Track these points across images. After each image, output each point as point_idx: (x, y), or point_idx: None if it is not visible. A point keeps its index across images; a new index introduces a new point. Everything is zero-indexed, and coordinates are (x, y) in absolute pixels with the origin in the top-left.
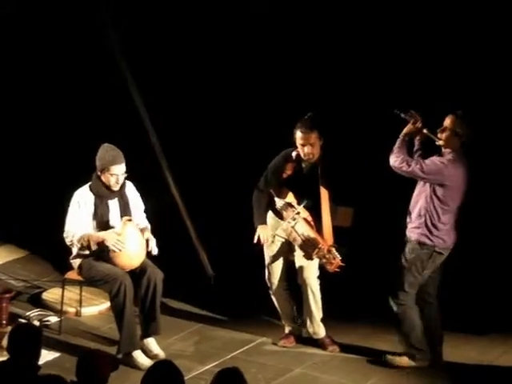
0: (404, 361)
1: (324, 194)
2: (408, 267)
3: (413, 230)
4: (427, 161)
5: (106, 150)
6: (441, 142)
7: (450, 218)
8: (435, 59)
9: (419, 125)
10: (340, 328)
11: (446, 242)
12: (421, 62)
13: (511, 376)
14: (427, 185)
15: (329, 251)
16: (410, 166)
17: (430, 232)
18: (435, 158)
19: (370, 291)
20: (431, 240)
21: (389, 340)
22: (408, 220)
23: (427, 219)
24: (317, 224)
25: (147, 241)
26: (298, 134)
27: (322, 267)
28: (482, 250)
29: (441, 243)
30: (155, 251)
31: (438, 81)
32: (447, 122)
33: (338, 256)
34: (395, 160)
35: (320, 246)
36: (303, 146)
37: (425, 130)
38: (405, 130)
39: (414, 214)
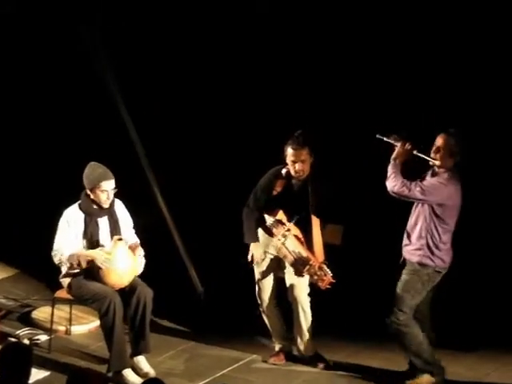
0: (426, 379)
1: (314, 210)
2: (407, 289)
3: (414, 252)
4: (426, 182)
5: (93, 168)
6: (437, 163)
7: (449, 237)
8: (423, 77)
9: (409, 147)
10: (330, 345)
11: (446, 262)
12: (409, 79)
13: None
14: (426, 205)
15: (320, 268)
16: (410, 189)
17: (432, 253)
18: (433, 179)
19: (360, 308)
20: (432, 261)
21: (379, 357)
22: (406, 242)
23: (428, 240)
24: (307, 241)
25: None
26: (289, 151)
27: (312, 285)
28: (467, 268)
29: (441, 263)
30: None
31: (426, 98)
32: (440, 141)
33: (330, 273)
34: (394, 185)
35: (311, 262)
36: (294, 162)
37: (415, 152)
38: (394, 154)
39: (413, 236)
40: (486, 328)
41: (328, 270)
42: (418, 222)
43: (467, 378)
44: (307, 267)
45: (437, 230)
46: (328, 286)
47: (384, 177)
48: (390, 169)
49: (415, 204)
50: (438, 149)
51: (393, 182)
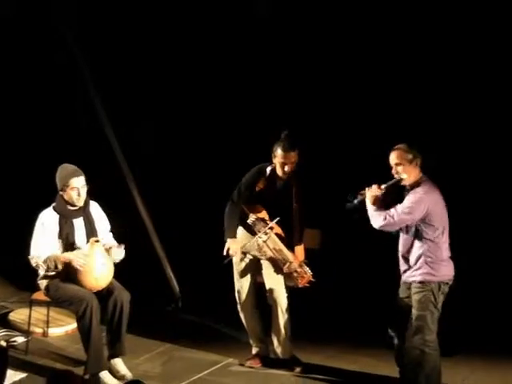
0: None
1: (297, 211)
2: (423, 307)
3: (415, 273)
4: (406, 202)
5: (62, 169)
6: (403, 176)
7: (446, 250)
8: (413, 80)
9: (374, 187)
10: (307, 348)
11: (449, 274)
12: (397, 83)
13: None
14: (413, 228)
15: (300, 266)
16: (393, 217)
17: (433, 268)
18: (411, 196)
19: (338, 312)
20: (435, 276)
21: (356, 361)
22: (405, 267)
23: (427, 258)
24: (288, 240)
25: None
26: (279, 152)
27: (289, 287)
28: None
29: (444, 276)
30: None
31: (416, 101)
32: (392, 158)
33: (309, 272)
34: (378, 222)
35: (291, 260)
36: (284, 164)
37: (383, 186)
38: (371, 201)
39: (412, 259)
40: (463, 332)
41: (308, 268)
42: (412, 245)
43: (444, 381)
44: (287, 264)
45: (432, 252)
46: (306, 284)
47: (368, 180)
48: (369, 212)
49: (403, 230)
50: (396, 165)
51: (377, 220)
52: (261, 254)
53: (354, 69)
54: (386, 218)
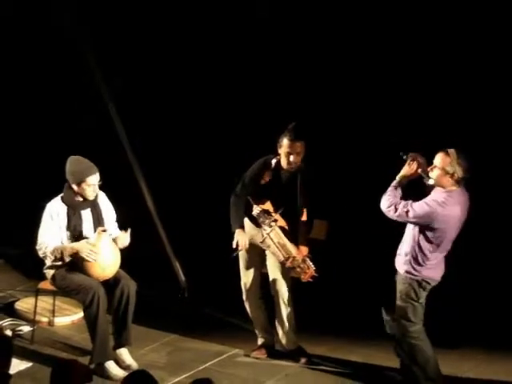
0: None
1: (303, 204)
2: (405, 299)
3: (402, 264)
4: (415, 205)
5: (76, 163)
6: (431, 181)
7: (438, 255)
8: (416, 77)
9: (414, 166)
10: (312, 340)
11: (432, 277)
12: (400, 79)
13: None
14: (414, 226)
15: (303, 261)
16: (396, 210)
17: (419, 265)
18: (425, 201)
19: (343, 303)
20: (419, 272)
21: (360, 352)
22: (398, 252)
23: (414, 256)
24: (293, 233)
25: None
26: (285, 142)
27: (293, 278)
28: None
29: (429, 276)
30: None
31: (421, 98)
32: (436, 160)
33: (312, 266)
34: (384, 203)
35: (294, 254)
36: (290, 154)
37: (419, 170)
38: (402, 172)
39: (403, 249)
40: (467, 325)
41: (311, 263)
42: (408, 236)
43: (450, 373)
44: (291, 259)
45: (422, 252)
46: (309, 279)
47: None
48: (391, 186)
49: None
50: (433, 167)
51: (385, 200)
52: (264, 246)
53: (356, 66)
54: (390, 205)
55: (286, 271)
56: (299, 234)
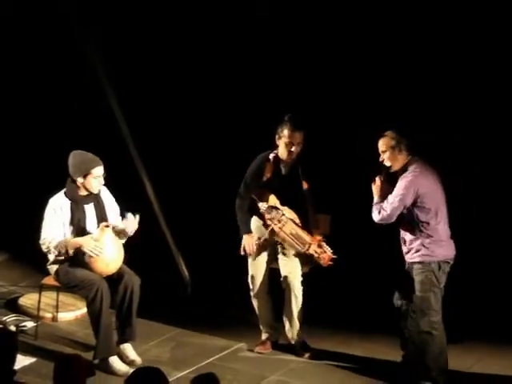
0: None
1: (308, 193)
2: (425, 288)
3: (415, 256)
4: (395, 192)
5: (81, 156)
6: (389, 164)
7: (443, 231)
8: (414, 71)
9: (378, 182)
10: (317, 334)
11: (447, 255)
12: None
13: (487, 382)
14: (408, 214)
15: (319, 246)
16: (386, 209)
17: (430, 249)
18: (399, 183)
19: (349, 297)
20: (434, 256)
21: (365, 347)
22: (405, 250)
23: (424, 240)
24: (303, 222)
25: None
26: (285, 132)
27: (305, 274)
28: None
29: (444, 255)
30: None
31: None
32: (380, 147)
33: (329, 249)
34: (375, 216)
35: (309, 241)
36: (290, 143)
37: (376, 178)
38: (374, 192)
39: (409, 242)
40: (470, 320)
41: (327, 246)
42: (408, 228)
43: (454, 367)
44: (307, 246)
45: (428, 229)
46: (330, 263)
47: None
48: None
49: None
50: (382, 153)
51: (374, 215)
52: (279, 240)
53: (356, 66)
54: (380, 213)
55: (299, 264)
56: (309, 220)
